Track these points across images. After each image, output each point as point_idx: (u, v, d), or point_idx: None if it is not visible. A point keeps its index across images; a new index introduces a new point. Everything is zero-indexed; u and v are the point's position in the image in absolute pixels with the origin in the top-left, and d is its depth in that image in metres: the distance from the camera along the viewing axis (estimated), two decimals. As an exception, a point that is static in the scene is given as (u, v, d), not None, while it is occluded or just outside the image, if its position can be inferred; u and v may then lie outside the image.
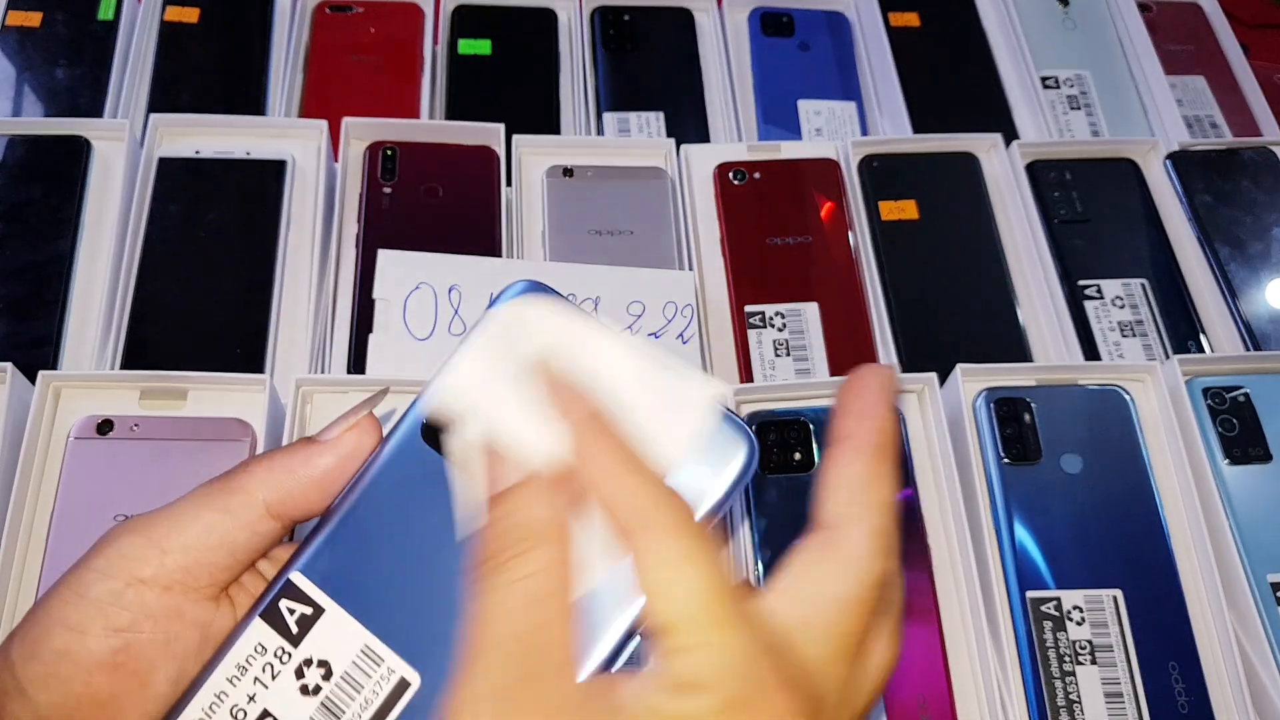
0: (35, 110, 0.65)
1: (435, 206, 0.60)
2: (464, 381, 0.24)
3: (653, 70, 0.72)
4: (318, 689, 0.23)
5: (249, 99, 0.67)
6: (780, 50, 0.74)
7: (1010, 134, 0.69)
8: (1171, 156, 0.66)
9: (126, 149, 0.59)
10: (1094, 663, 0.47)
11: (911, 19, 0.74)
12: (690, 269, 0.58)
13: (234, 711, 0.23)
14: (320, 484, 0.24)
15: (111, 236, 0.57)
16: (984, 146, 0.66)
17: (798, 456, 0.51)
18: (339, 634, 0.23)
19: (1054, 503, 0.50)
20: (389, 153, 0.61)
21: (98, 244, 0.57)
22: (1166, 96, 0.71)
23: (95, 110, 0.65)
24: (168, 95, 0.67)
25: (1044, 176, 0.64)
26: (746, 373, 0.57)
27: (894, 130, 0.70)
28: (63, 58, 0.67)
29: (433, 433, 0.24)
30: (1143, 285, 0.61)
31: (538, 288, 0.25)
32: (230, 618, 0.24)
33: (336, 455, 0.24)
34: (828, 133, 0.70)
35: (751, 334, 0.58)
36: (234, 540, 0.24)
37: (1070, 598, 0.48)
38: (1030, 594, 0.48)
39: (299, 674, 0.23)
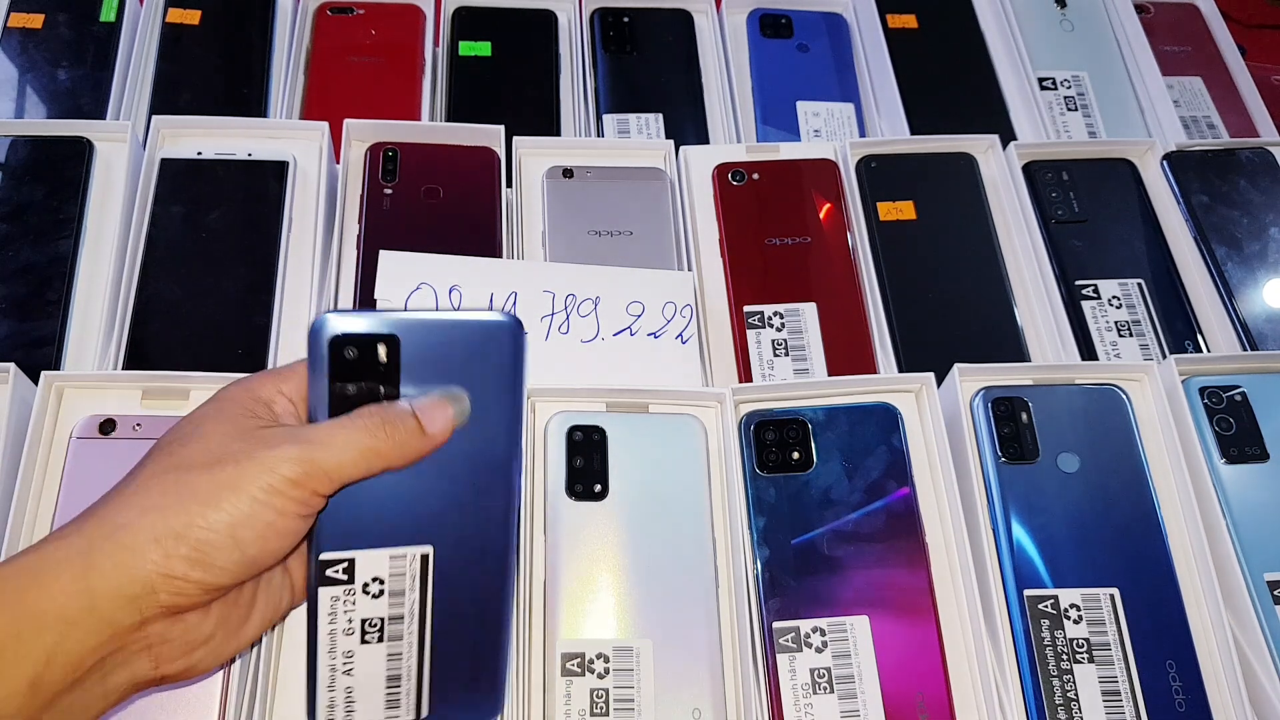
0: (38, 112, 0.65)
1: (436, 207, 0.60)
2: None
3: (652, 72, 0.72)
4: (380, 592, 0.35)
5: (250, 100, 0.67)
6: (779, 52, 0.74)
7: (1008, 135, 0.69)
8: (1168, 157, 0.66)
9: (129, 150, 0.59)
10: (1091, 661, 0.47)
11: (909, 21, 0.74)
12: (689, 269, 0.58)
13: (347, 632, 0.35)
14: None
15: (114, 237, 0.57)
16: (981, 147, 0.66)
17: (796, 456, 0.51)
18: (370, 561, 0.35)
19: (1051, 502, 0.51)
20: (390, 154, 0.61)
21: (100, 245, 0.58)
22: (1163, 97, 0.71)
23: (97, 112, 0.65)
24: (169, 96, 0.67)
25: (1041, 177, 0.64)
26: (745, 372, 0.57)
27: (892, 131, 0.70)
28: (65, 59, 0.67)
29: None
30: (1139, 285, 0.61)
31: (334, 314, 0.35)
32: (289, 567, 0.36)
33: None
34: (826, 134, 0.70)
35: (750, 334, 0.58)
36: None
37: (1068, 596, 0.48)
38: (1028, 592, 0.49)
39: (365, 591, 0.35)
